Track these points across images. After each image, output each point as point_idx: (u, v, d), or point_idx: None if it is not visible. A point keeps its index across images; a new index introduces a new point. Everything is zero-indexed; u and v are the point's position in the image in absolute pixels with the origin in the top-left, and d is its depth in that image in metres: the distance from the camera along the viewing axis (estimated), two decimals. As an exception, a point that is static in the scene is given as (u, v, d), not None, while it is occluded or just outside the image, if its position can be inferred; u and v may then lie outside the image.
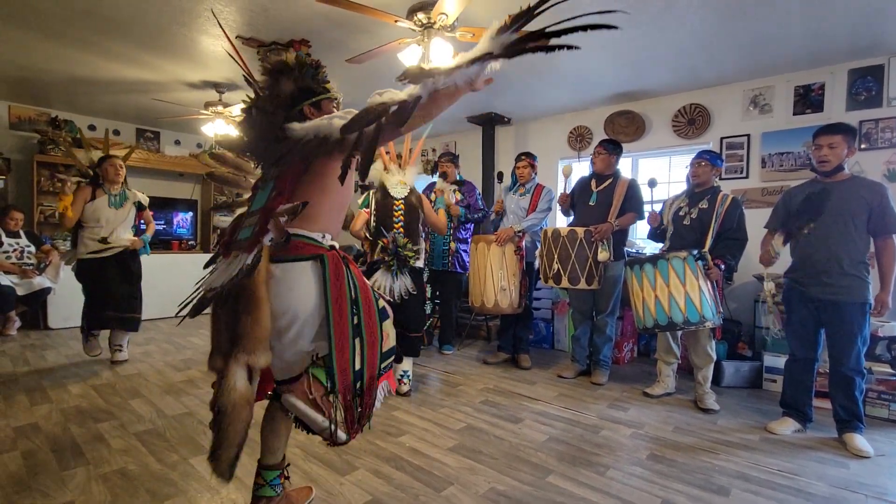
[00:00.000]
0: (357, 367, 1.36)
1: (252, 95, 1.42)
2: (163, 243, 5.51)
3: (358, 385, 1.38)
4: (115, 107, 4.97)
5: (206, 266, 1.38)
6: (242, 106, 1.43)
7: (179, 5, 2.76)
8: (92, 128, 5.29)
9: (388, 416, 2.49)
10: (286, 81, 1.36)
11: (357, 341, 1.36)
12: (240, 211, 1.51)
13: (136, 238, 3.37)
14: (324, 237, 1.37)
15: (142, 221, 3.54)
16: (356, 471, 1.91)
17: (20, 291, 3.96)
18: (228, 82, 4.12)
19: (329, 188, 1.37)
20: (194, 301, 1.22)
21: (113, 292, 3.22)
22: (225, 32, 2.19)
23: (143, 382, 2.96)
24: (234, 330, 1.22)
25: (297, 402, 1.35)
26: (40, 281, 4.06)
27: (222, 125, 4.46)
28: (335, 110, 1.42)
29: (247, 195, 1.59)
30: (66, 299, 4.33)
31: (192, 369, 3.27)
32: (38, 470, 1.86)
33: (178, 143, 6.04)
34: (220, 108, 4.31)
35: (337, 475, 1.87)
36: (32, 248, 4.17)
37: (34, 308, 4.28)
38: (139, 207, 3.46)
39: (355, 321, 1.36)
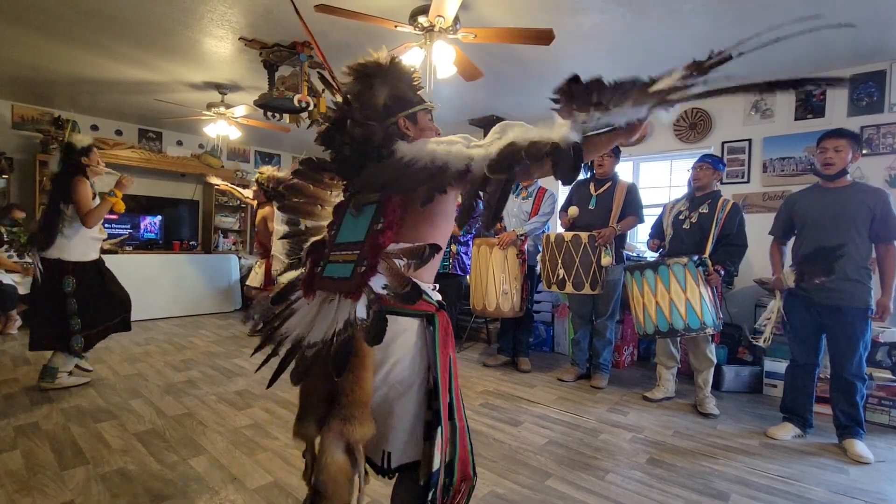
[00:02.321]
0: (455, 458, 1.09)
1: (336, 102, 1.20)
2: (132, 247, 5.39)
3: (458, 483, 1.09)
4: (118, 107, 4.99)
5: (275, 301, 1.19)
6: (328, 113, 1.20)
7: (183, 6, 2.78)
8: (94, 128, 5.31)
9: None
10: (380, 87, 1.12)
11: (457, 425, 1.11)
12: (316, 238, 1.30)
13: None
14: (434, 288, 1.13)
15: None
16: (355, 473, 1.91)
17: (22, 290, 3.96)
18: (231, 83, 4.14)
19: (439, 226, 1.13)
20: (282, 355, 1.04)
21: (119, 294, 2.97)
22: (295, 7, 1.94)
23: (142, 383, 2.96)
24: (330, 388, 1.03)
25: None
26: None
27: (224, 126, 4.48)
28: (431, 123, 1.22)
29: (321, 223, 1.35)
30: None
31: (192, 370, 3.28)
32: (37, 469, 1.86)
33: (180, 143, 6.06)
34: (222, 109, 4.32)
35: (336, 477, 1.87)
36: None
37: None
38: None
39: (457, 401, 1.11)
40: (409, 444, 1.07)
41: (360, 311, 0.96)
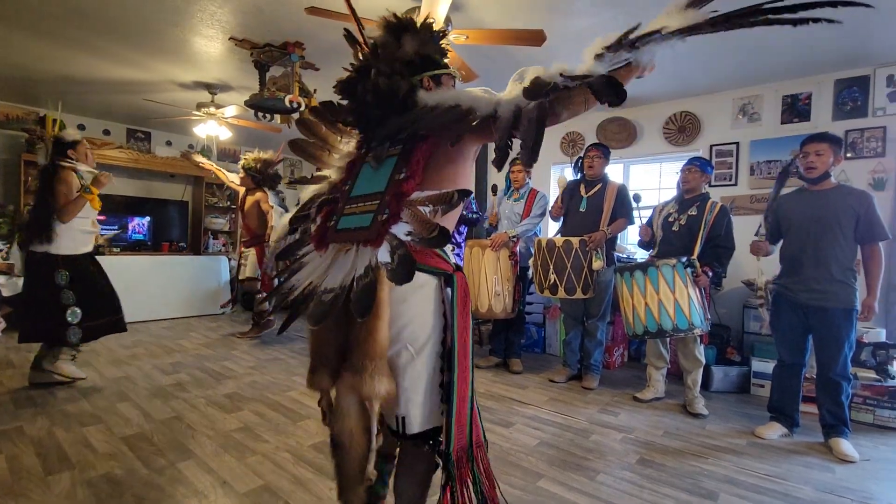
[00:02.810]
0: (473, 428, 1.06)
1: (359, 56, 1.16)
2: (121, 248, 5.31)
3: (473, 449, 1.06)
4: (106, 106, 4.92)
5: (281, 257, 1.17)
6: (351, 65, 1.16)
7: (172, 5, 2.75)
8: (81, 127, 5.23)
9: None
10: (409, 42, 1.10)
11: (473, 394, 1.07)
12: (311, 191, 1.27)
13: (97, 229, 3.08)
14: (453, 249, 1.18)
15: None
16: (346, 475, 1.90)
17: (5, 292, 3.88)
18: (221, 83, 4.10)
19: (462, 176, 1.11)
20: (299, 300, 1.00)
21: (110, 291, 2.92)
22: None
23: (130, 386, 2.92)
24: (343, 339, 1.00)
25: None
26: (26, 282, 3.99)
27: (214, 126, 4.44)
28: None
29: (327, 172, 1.30)
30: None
31: (180, 372, 3.24)
32: (22, 474, 1.83)
33: (169, 143, 5.99)
34: (212, 110, 4.29)
35: (327, 479, 1.86)
36: (19, 248, 4.10)
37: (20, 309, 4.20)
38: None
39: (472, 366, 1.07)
40: (427, 410, 1.02)
41: (383, 255, 0.94)
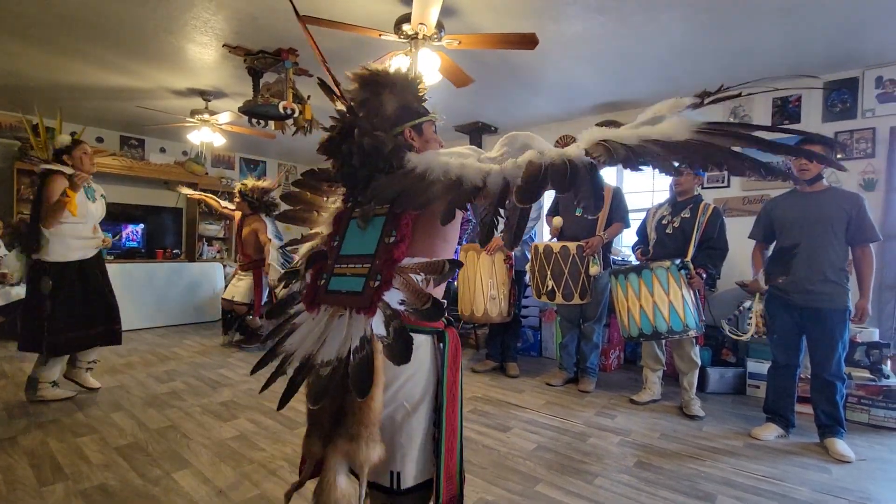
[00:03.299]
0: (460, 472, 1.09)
1: (340, 111, 1.16)
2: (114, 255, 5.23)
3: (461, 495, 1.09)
4: (99, 114, 4.91)
5: (271, 315, 1.15)
6: (330, 125, 1.16)
7: (166, 13, 2.75)
8: (72, 135, 5.19)
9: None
10: (389, 99, 1.09)
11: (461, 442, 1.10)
12: (307, 247, 1.27)
13: (105, 237, 2.95)
14: (444, 304, 1.08)
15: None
16: (343, 483, 1.89)
17: (1, 301, 3.84)
18: (215, 90, 4.10)
19: (449, 240, 1.12)
20: (290, 373, 0.98)
21: (105, 300, 2.84)
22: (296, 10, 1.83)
23: (124, 395, 2.90)
24: (339, 405, 0.98)
25: None
26: (19, 291, 3.96)
27: (208, 133, 4.43)
28: (435, 135, 1.20)
29: (318, 229, 1.30)
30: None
31: (175, 381, 3.22)
32: (16, 485, 1.81)
33: (163, 150, 5.97)
34: (206, 116, 4.28)
35: (324, 488, 1.85)
36: (11, 258, 4.06)
37: (12, 319, 4.16)
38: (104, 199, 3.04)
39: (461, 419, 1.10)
40: (421, 463, 1.04)
41: (378, 327, 0.93)
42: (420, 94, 1.15)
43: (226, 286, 4.51)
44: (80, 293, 2.72)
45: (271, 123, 3.63)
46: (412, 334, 0.95)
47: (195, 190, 5.12)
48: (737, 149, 0.79)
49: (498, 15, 2.72)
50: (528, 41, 2.48)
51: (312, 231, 1.31)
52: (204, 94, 4.17)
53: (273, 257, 4.19)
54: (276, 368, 1.03)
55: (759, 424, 2.55)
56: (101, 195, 2.95)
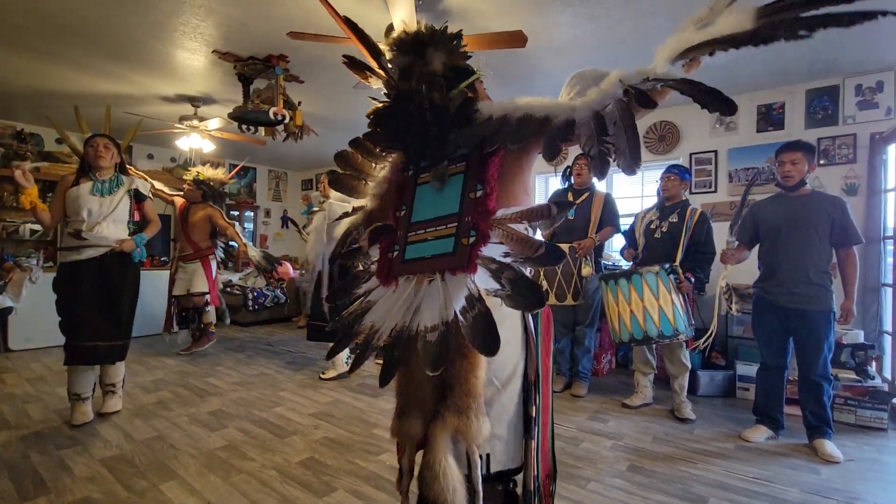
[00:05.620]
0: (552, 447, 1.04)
1: (386, 83, 1.09)
2: None
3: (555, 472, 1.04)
4: (87, 120, 4.83)
5: (333, 299, 1.09)
6: (381, 90, 1.09)
7: (155, 19, 2.73)
8: (59, 142, 5.13)
9: (367, 434, 2.45)
10: (435, 56, 1.02)
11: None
12: (346, 223, 1.21)
13: (126, 238, 2.55)
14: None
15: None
16: (335, 492, 1.86)
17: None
18: (204, 96, 4.08)
19: (528, 187, 1.07)
20: (394, 345, 0.90)
21: (88, 312, 2.45)
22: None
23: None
24: (441, 378, 0.90)
25: None
26: (0, 300, 3.87)
27: (197, 139, 4.40)
28: (486, 92, 1.14)
29: (362, 202, 1.25)
30: (28, 320, 4.13)
31: (162, 390, 3.16)
32: (-7, 502, 1.75)
33: (151, 157, 5.91)
34: (195, 122, 4.25)
35: (315, 497, 1.82)
36: (-7, 266, 3.96)
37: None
38: (137, 198, 2.67)
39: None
40: (512, 447, 0.99)
41: (486, 282, 0.85)
42: (466, 52, 1.09)
43: (170, 284, 4.11)
44: (67, 299, 2.46)
45: (261, 129, 3.62)
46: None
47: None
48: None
49: (488, 20, 2.75)
50: (516, 39, 2.49)
51: (358, 204, 1.26)
52: (193, 101, 4.14)
53: (245, 240, 4.08)
54: (362, 346, 0.94)
55: (749, 426, 2.57)
56: (130, 190, 2.61)
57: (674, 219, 2.89)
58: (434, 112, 0.98)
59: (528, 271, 0.92)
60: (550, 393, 1.04)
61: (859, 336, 3.03)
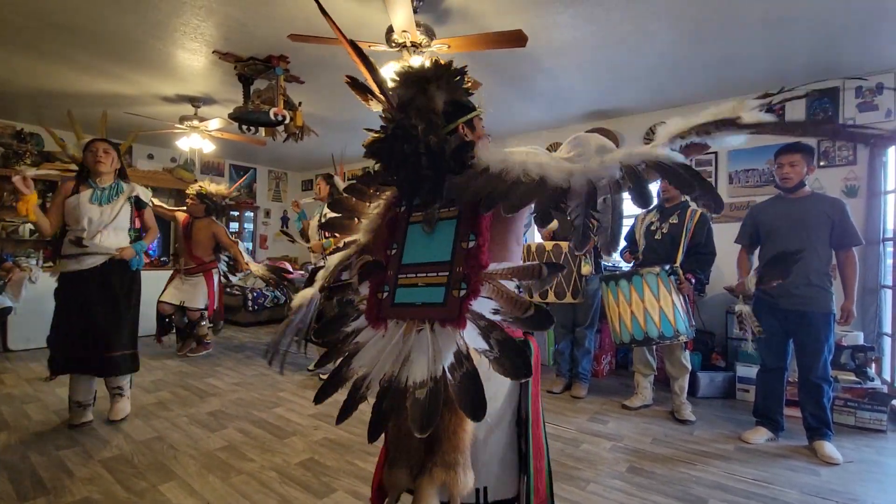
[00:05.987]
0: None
1: (385, 111, 1.08)
2: None
3: None
4: (86, 120, 4.80)
5: (321, 334, 1.07)
6: (376, 131, 1.08)
7: (155, 19, 2.73)
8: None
9: (366, 435, 2.44)
10: (437, 93, 1.01)
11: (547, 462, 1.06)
12: (338, 257, 1.19)
13: (126, 246, 2.52)
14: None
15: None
16: (334, 493, 1.86)
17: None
18: (205, 96, 4.08)
19: (517, 239, 1.06)
20: (376, 401, 0.89)
21: (85, 321, 2.39)
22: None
23: (108, 405, 2.83)
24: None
25: None
26: (0, 300, 3.87)
27: (198, 139, 4.40)
28: (483, 129, 1.14)
29: (354, 237, 1.24)
30: (28, 320, 4.13)
31: (162, 391, 3.15)
32: (-8, 502, 1.75)
33: (151, 157, 5.91)
34: (195, 123, 4.25)
35: (314, 498, 1.82)
36: (-8, 266, 3.96)
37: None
38: (137, 205, 2.64)
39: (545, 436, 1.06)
40: (507, 478, 1.01)
41: (475, 340, 0.85)
42: (467, 87, 1.08)
43: (164, 289, 4.09)
44: (62, 309, 2.42)
45: (262, 130, 3.62)
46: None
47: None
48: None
49: (487, 22, 2.75)
50: (516, 39, 2.49)
51: (350, 240, 1.25)
52: (193, 101, 4.14)
53: (247, 259, 4.11)
54: (350, 393, 0.94)
55: (748, 428, 2.57)
56: (130, 197, 2.59)
57: (674, 220, 2.89)
58: (429, 156, 0.97)
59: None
60: (543, 434, 1.06)
61: (859, 338, 3.03)
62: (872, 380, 2.79)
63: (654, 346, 2.99)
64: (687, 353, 2.88)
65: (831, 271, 2.39)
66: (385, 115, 1.07)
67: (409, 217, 1.06)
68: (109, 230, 2.48)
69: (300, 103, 3.68)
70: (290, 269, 6.31)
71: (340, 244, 1.27)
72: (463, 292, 0.89)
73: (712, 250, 2.84)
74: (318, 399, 0.98)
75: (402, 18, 2.38)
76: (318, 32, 2.83)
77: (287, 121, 3.44)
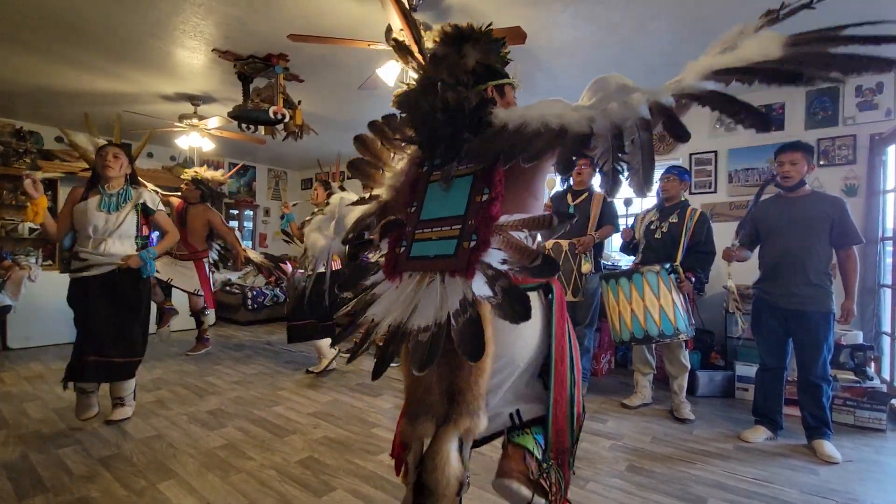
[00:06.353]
0: (574, 424, 1.12)
1: (418, 67, 1.08)
2: None
3: (574, 446, 1.13)
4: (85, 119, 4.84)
5: (343, 288, 1.08)
6: (411, 76, 1.08)
7: (154, 17, 2.73)
8: (59, 140, 5.12)
9: (367, 434, 2.44)
10: (471, 52, 1.03)
11: (574, 392, 1.11)
12: (358, 212, 1.22)
13: (133, 254, 2.46)
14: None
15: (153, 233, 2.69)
16: (334, 491, 1.86)
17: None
18: (204, 95, 4.07)
19: (539, 194, 1.09)
20: (388, 340, 0.92)
21: (95, 328, 2.38)
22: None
23: (107, 404, 2.82)
24: (450, 382, 0.96)
25: (519, 488, 1.03)
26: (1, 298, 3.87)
27: (197, 138, 4.39)
28: (515, 99, 1.14)
29: (378, 191, 1.25)
30: (27, 319, 4.14)
31: (161, 389, 3.15)
32: (-9, 501, 1.75)
33: (150, 155, 5.91)
34: (195, 121, 4.24)
35: (314, 497, 1.82)
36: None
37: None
38: (145, 212, 2.58)
39: (574, 368, 1.11)
40: (535, 401, 1.12)
41: (481, 288, 0.86)
42: (503, 56, 1.09)
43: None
44: (81, 316, 2.41)
45: (261, 128, 3.61)
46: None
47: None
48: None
49: (487, 21, 2.75)
50: (515, 35, 2.49)
51: (373, 193, 1.26)
52: (193, 99, 4.13)
53: (244, 245, 4.09)
54: (361, 338, 0.98)
55: (748, 427, 2.57)
56: (137, 205, 2.53)
57: (674, 219, 2.89)
58: (446, 112, 0.97)
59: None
60: (569, 370, 1.10)
61: (858, 337, 3.03)
62: (872, 379, 2.79)
63: (654, 345, 2.99)
64: (686, 351, 2.88)
65: (831, 270, 2.39)
66: (417, 70, 1.09)
67: (429, 176, 1.08)
68: (115, 238, 2.44)
69: (300, 102, 3.68)
70: (290, 268, 6.31)
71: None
72: (473, 244, 0.91)
73: (712, 249, 2.84)
74: (337, 341, 1.10)
75: (398, 18, 2.37)
76: (317, 31, 2.83)
77: (286, 119, 3.43)
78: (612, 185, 0.80)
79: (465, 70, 1.01)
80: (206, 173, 4.08)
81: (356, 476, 1.99)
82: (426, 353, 0.84)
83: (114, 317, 2.43)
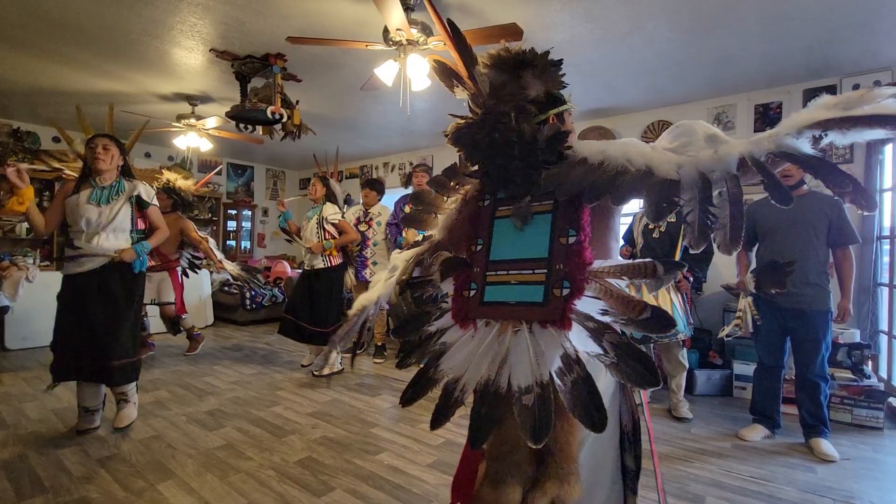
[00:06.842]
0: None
1: (473, 97, 1.00)
2: None
3: None
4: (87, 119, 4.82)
5: (401, 334, 0.98)
6: (462, 117, 1.02)
7: (151, 17, 2.72)
8: (56, 140, 5.11)
9: (365, 434, 2.45)
10: (532, 80, 0.95)
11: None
12: (411, 253, 1.16)
13: (125, 248, 2.39)
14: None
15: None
16: (333, 491, 1.87)
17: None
18: (202, 94, 4.06)
19: (614, 233, 1.02)
20: (475, 406, 0.81)
21: (84, 326, 2.28)
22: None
23: (107, 405, 2.82)
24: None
25: None
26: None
27: (195, 138, 4.39)
28: (572, 124, 1.08)
29: (430, 231, 1.20)
30: (25, 319, 4.12)
31: (160, 389, 3.15)
32: (-10, 502, 1.75)
33: (148, 155, 5.89)
34: (192, 121, 4.23)
35: (313, 497, 1.82)
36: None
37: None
38: (140, 204, 2.50)
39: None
40: (611, 497, 0.95)
41: (585, 342, 0.78)
42: (561, 80, 1.00)
43: None
44: (72, 313, 2.31)
45: (259, 128, 3.61)
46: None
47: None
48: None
49: (486, 20, 2.75)
50: (510, 32, 2.49)
51: (427, 235, 1.21)
52: (190, 99, 4.12)
53: (220, 256, 3.98)
54: (443, 397, 0.85)
55: (745, 425, 2.58)
56: (131, 197, 2.45)
57: (672, 218, 2.88)
58: (522, 145, 0.90)
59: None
60: (653, 448, 1.01)
61: (855, 336, 3.04)
62: (869, 377, 2.80)
63: (652, 344, 3.00)
64: (684, 350, 2.89)
65: (829, 269, 2.39)
66: (472, 99, 1.00)
67: (494, 211, 1.00)
68: (108, 232, 2.35)
69: (297, 102, 3.67)
70: (289, 269, 6.31)
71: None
72: (566, 291, 0.82)
73: (710, 249, 2.84)
74: (406, 402, 0.89)
75: (395, 17, 2.37)
76: (315, 31, 2.83)
77: (284, 119, 3.43)
78: (697, 237, 0.75)
79: (528, 99, 0.94)
80: (179, 182, 3.93)
81: (355, 476, 1.99)
82: (538, 421, 0.74)
83: (109, 315, 2.35)
